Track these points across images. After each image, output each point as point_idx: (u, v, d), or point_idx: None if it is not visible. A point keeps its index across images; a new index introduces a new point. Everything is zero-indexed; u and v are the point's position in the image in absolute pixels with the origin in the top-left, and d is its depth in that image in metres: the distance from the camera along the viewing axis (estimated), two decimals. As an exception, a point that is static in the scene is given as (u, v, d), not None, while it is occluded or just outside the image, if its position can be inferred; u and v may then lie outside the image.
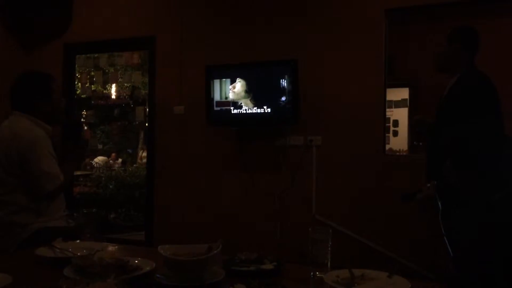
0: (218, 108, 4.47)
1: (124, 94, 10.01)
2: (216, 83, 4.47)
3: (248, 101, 4.37)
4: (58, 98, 2.73)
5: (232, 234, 4.43)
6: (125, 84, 9.51)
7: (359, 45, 4.24)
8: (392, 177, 4.05)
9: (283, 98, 4.24)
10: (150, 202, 5.06)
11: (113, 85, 9.58)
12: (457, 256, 2.61)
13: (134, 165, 9.40)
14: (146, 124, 5.86)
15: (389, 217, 3.99)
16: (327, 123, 4.33)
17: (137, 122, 10.03)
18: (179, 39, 4.85)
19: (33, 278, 1.63)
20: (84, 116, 9.09)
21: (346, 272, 1.52)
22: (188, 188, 4.81)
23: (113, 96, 10.03)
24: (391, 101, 6.07)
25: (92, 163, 9.41)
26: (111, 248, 2.02)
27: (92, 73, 7.93)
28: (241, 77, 4.39)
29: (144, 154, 8.51)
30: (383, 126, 4.27)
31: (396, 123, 6.49)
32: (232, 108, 4.42)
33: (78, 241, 2.10)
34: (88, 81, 7.93)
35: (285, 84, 4.23)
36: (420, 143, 3.24)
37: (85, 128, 9.28)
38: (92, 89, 8.64)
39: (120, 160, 10.50)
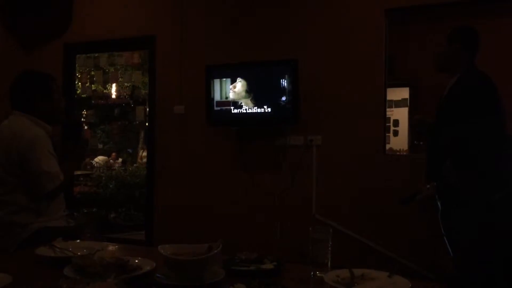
0: (218, 108, 4.47)
1: (124, 93, 10.01)
2: (216, 82, 4.47)
3: (248, 101, 4.37)
4: (58, 97, 2.73)
5: (232, 234, 4.44)
6: (125, 84, 9.51)
7: (359, 45, 4.24)
8: (392, 177, 4.05)
9: (283, 98, 4.24)
10: (150, 202, 5.06)
11: (113, 85, 9.58)
12: (457, 256, 2.61)
13: (134, 164, 9.41)
14: (146, 124, 5.86)
15: (389, 217, 3.99)
16: (327, 123, 4.33)
17: (137, 122, 10.03)
18: (179, 39, 4.85)
19: (33, 278, 1.63)
20: (84, 115, 9.09)
21: (346, 272, 1.52)
22: (188, 188, 4.81)
23: (113, 96, 10.03)
24: (391, 100, 6.07)
25: (92, 163, 9.42)
26: (111, 247, 2.02)
27: (92, 73, 7.93)
28: (241, 77, 4.39)
29: (144, 153, 8.51)
30: (383, 126, 4.27)
31: (396, 122, 6.49)
32: (232, 108, 4.42)
33: (78, 240, 2.10)
34: (88, 80, 7.93)
35: (285, 84, 4.24)
36: (421, 143, 3.24)
37: (85, 127, 9.29)
38: (92, 88, 8.63)
39: (120, 159, 10.51)
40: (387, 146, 5.31)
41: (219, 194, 4.67)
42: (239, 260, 1.73)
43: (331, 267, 1.59)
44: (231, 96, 4.43)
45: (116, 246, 2.08)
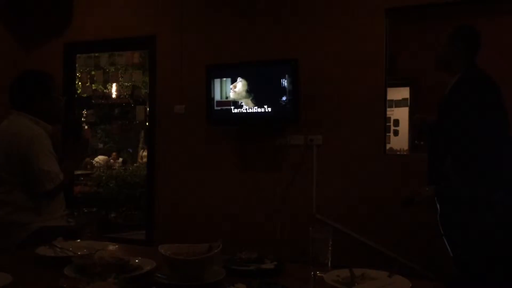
0: (219, 108, 4.47)
1: (125, 93, 10.02)
2: (217, 82, 4.48)
3: (248, 100, 4.37)
4: (58, 97, 2.73)
5: (232, 233, 4.44)
6: (126, 84, 9.52)
7: (360, 45, 4.24)
8: (393, 176, 4.05)
9: (284, 98, 4.24)
10: (151, 202, 5.06)
11: (114, 85, 9.58)
12: (457, 256, 2.61)
13: (135, 164, 9.41)
14: (147, 124, 5.86)
15: (389, 216, 3.99)
16: (327, 122, 4.33)
17: (137, 122, 10.03)
18: (180, 39, 4.85)
19: (33, 278, 1.64)
20: (84, 115, 9.10)
21: (347, 272, 1.52)
22: (188, 188, 4.81)
23: (114, 96, 10.03)
24: (391, 100, 6.07)
25: (92, 163, 9.42)
26: (111, 247, 2.02)
27: (93, 73, 7.93)
28: (241, 77, 4.39)
29: (145, 153, 8.52)
30: (384, 126, 4.27)
31: (396, 122, 6.49)
32: (232, 107, 4.42)
33: (78, 240, 2.10)
34: (88, 80, 7.94)
35: (285, 84, 4.24)
36: (422, 142, 3.23)
37: (86, 127, 9.30)
38: (93, 88, 8.64)
39: (120, 159, 10.52)
40: (388, 146, 5.31)
41: (219, 193, 4.67)
42: (239, 259, 1.73)
43: (332, 267, 1.59)
44: (232, 96, 4.43)
45: (117, 246, 2.08)
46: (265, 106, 4.30)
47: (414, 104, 6.28)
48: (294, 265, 1.75)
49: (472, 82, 2.67)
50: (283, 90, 4.24)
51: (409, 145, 6.19)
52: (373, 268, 1.57)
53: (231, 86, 4.43)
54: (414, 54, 5.62)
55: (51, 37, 5.43)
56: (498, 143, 2.53)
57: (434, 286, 1.72)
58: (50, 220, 2.54)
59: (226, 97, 4.45)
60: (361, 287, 1.44)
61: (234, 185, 4.63)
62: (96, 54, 6.83)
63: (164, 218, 4.92)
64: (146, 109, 7.29)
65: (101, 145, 11.33)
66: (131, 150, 11.48)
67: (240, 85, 4.40)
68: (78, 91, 7.40)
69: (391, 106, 6.14)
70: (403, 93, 6.35)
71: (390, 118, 6.18)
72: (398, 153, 6.06)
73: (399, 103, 6.42)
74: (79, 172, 7.37)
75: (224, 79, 4.45)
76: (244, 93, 4.39)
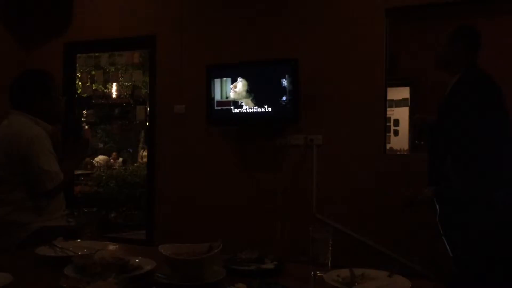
0: (219, 108, 4.47)
1: (125, 93, 10.02)
2: (217, 82, 4.48)
3: (249, 100, 4.37)
4: (58, 97, 2.73)
5: (232, 233, 4.44)
6: (126, 84, 9.52)
7: (360, 45, 4.24)
8: (393, 176, 4.05)
9: (284, 98, 4.24)
10: (151, 201, 5.06)
11: (114, 84, 9.58)
12: (457, 256, 2.61)
13: (135, 164, 9.41)
14: (147, 124, 5.87)
15: (390, 216, 3.99)
16: (327, 122, 4.33)
17: (137, 121, 10.03)
18: (180, 38, 4.85)
19: (33, 277, 1.64)
20: (85, 115, 9.10)
21: (347, 272, 1.52)
22: (188, 187, 4.81)
23: (114, 96, 10.04)
24: (391, 100, 6.07)
25: (93, 162, 9.42)
26: (111, 247, 2.02)
27: (93, 72, 7.94)
28: (241, 77, 4.39)
29: (145, 153, 8.52)
30: (384, 126, 4.27)
31: (397, 122, 6.49)
32: (232, 107, 4.42)
33: (78, 240, 2.10)
34: (89, 80, 7.95)
35: (285, 84, 4.24)
36: (422, 142, 3.22)
37: (86, 127, 9.30)
38: (93, 88, 8.64)
39: (120, 159, 10.52)
40: (388, 146, 5.31)
41: (219, 193, 4.67)
42: (239, 259, 1.74)
43: (332, 266, 1.59)
44: (232, 95, 4.43)
45: (117, 246, 2.09)
46: (265, 106, 4.31)
47: (414, 104, 6.27)
48: (294, 265, 1.76)
49: (472, 82, 2.67)
50: (283, 90, 4.24)
51: (409, 145, 6.18)
52: (373, 268, 1.57)
53: (232, 86, 4.43)
54: (414, 54, 5.62)
55: (51, 37, 5.43)
56: (498, 143, 2.53)
57: (434, 286, 1.72)
58: (50, 220, 2.54)
59: (226, 97, 4.46)
60: (361, 287, 1.44)
61: (234, 185, 4.63)
62: (96, 54, 6.83)
63: (164, 218, 4.92)
64: (146, 109, 7.30)
65: (101, 145, 11.34)
66: (131, 150, 11.48)
67: (241, 85, 4.40)
68: (78, 91, 7.40)
69: (391, 106, 6.14)
70: (403, 93, 6.35)
71: (390, 118, 6.18)
72: (398, 153, 6.06)
73: (399, 103, 6.41)
74: (79, 172, 7.37)
75: (224, 79, 4.46)
76: (244, 93, 4.39)
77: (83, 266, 1.54)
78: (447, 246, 2.68)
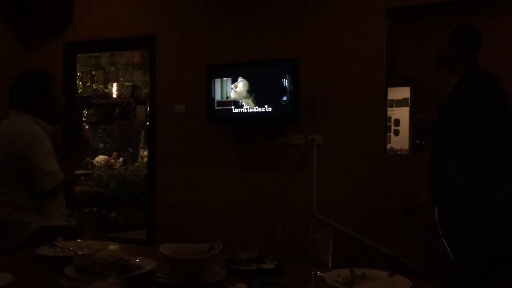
0: (219, 108, 4.47)
1: (125, 93, 10.02)
2: (217, 82, 4.48)
3: (249, 100, 4.37)
4: (57, 97, 2.73)
5: (233, 233, 4.43)
6: (126, 83, 9.52)
7: (360, 44, 4.24)
8: (393, 176, 4.05)
9: (284, 98, 4.24)
10: (151, 201, 5.06)
11: (114, 84, 9.58)
12: (457, 257, 2.61)
13: (135, 164, 9.41)
14: (147, 123, 5.87)
15: (390, 216, 3.99)
16: (328, 122, 4.33)
17: (138, 121, 10.04)
18: (180, 38, 4.85)
19: (34, 277, 1.64)
20: (85, 115, 9.10)
21: (347, 272, 1.52)
22: (189, 187, 4.81)
23: (114, 95, 10.04)
24: (392, 100, 6.06)
25: (93, 162, 9.42)
26: (112, 247, 2.02)
27: (93, 72, 7.94)
28: (242, 77, 4.39)
29: (145, 153, 8.52)
30: (384, 125, 4.27)
31: (397, 122, 6.49)
32: (233, 107, 4.42)
33: (79, 240, 2.10)
34: (89, 80, 7.94)
35: (286, 84, 4.23)
36: (423, 142, 3.22)
37: (87, 127, 9.30)
38: (93, 88, 8.64)
39: (121, 159, 10.52)
40: (388, 146, 5.31)
41: (220, 193, 4.67)
42: (240, 259, 1.74)
43: (332, 266, 1.59)
44: (233, 95, 4.43)
45: (117, 246, 2.08)
46: (266, 106, 4.30)
47: (414, 104, 6.27)
48: (294, 265, 1.76)
49: (474, 81, 2.67)
50: (283, 90, 4.24)
51: (410, 145, 6.18)
52: (373, 268, 1.57)
53: (232, 86, 4.43)
54: (414, 54, 5.61)
55: (51, 37, 5.43)
56: (501, 142, 2.52)
57: (434, 286, 1.72)
58: (50, 219, 2.54)
59: (227, 97, 4.46)
60: (362, 287, 1.44)
61: (234, 185, 4.63)
62: (97, 54, 6.83)
63: (165, 218, 4.92)
64: (146, 108, 7.30)
65: (101, 145, 11.33)
66: (131, 150, 11.48)
67: (241, 85, 4.40)
68: (79, 91, 7.39)
69: (391, 106, 6.13)
70: (403, 92, 6.35)
71: (390, 117, 6.18)
72: (398, 152, 6.06)
73: (399, 103, 6.41)
74: (79, 171, 7.37)
75: (225, 79, 4.46)
76: (245, 93, 4.39)
77: (84, 266, 1.54)
78: (447, 247, 2.67)
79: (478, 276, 2.46)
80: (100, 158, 9.91)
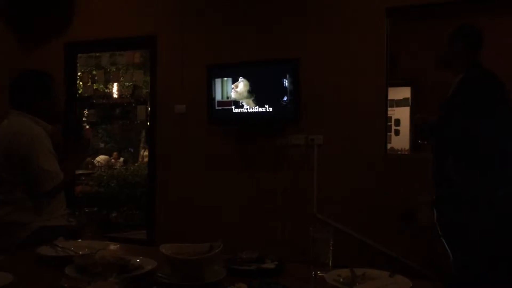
0: (220, 108, 4.47)
1: (126, 93, 10.02)
2: (218, 82, 4.48)
3: (250, 100, 4.37)
4: (57, 96, 2.73)
5: (233, 233, 4.44)
6: (126, 83, 9.52)
7: (360, 44, 4.24)
8: (394, 176, 4.05)
9: (285, 98, 4.24)
10: (152, 201, 5.06)
11: (115, 84, 9.59)
12: (457, 257, 2.61)
13: (136, 164, 9.41)
14: (148, 123, 5.87)
15: (390, 216, 3.99)
16: (328, 122, 4.33)
17: (138, 121, 10.04)
18: (180, 38, 4.85)
19: (34, 277, 1.64)
20: (86, 115, 9.10)
21: (348, 271, 1.52)
22: (189, 187, 4.81)
23: (115, 95, 10.04)
24: (392, 100, 6.06)
25: (93, 162, 9.43)
26: (112, 247, 2.02)
27: (94, 72, 7.94)
28: (242, 77, 4.39)
29: (146, 153, 8.52)
30: (385, 125, 4.27)
31: (398, 122, 6.49)
32: (233, 107, 4.42)
33: (79, 240, 2.10)
34: (89, 80, 7.95)
35: (286, 84, 4.24)
36: (425, 142, 3.22)
37: (87, 127, 9.30)
38: (94, 88, 8.65)
39: (121, 159, 10.52)
40: (389, 146, 5.31)
41: (220, 193, 4.67)
42: (240, 259, 1.74)
43: (332, 266, 1.59)
44: (233, 95, 4.43)
45: (118, 246, 2.09)
46: (266, 106, 4.30)
47: (415, 104, 6.27)
48: (294, 265, 1.75)
49: (475, 81, 2.67)
50: (284, 90, 4.24)
51: (410, 144, 6.19)
52: (374, 268, 1.57)
53: (233, 86, 4.43)
54: (415, 53, 5.61)
55: (51, 37, 5.43)
56: (501, 141, 2.52)
57: (434, 286, 1.72)
58: (51, 219, 2.54)
59: (227, 97, 4.46)
60: (362, 287, 1.44)
61: (234, 185, 4.63)
62: (97, 54, 6.84)
63: (165, 217, 4.92)
64: (147, 108, 7.30)
65: (102, 145, 11.34)
66: (132, 150, 11.49)
67: (242, 85, 4.40)
68: (79, 91, 7.40)
69: (392, 106, 6.13)
70: (404, 92, 6.35)
71: (391, 117, 6.18)
72: (399, 152, 6.06)
73: (400, 103, 6.41)
74: (80, 171, 7.37)
75: (225, 79, 4.46)
76: (245, 93, 4.39)
77: (84, 266, 1.54)
78: (447, 247, 2.67)
79: (478, 276, 2.46)
80: (101, 158, 9.92)
